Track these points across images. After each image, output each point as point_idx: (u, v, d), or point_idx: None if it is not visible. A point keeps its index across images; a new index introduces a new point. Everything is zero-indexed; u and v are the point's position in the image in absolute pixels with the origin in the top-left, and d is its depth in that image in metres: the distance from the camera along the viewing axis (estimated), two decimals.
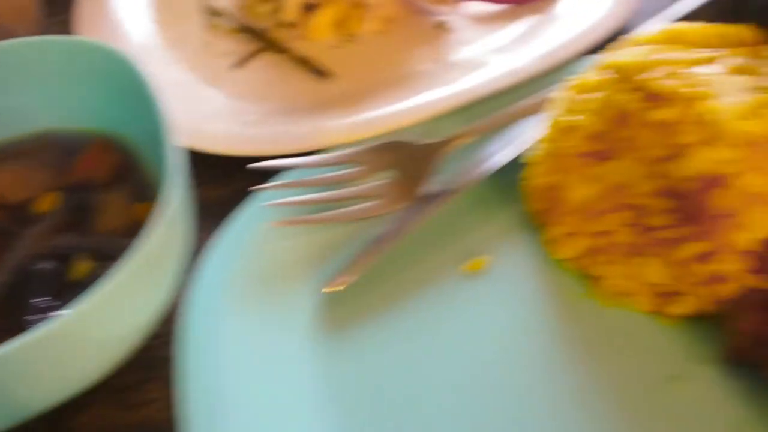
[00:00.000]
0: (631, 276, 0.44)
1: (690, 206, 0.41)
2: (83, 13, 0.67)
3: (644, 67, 0.42)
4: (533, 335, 0.44)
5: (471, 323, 0.44)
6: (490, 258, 0.47)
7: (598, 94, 0.44)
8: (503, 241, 0.48)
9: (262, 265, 0.47)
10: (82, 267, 0.46)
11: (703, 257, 0.41)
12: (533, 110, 0.51)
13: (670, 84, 0.41)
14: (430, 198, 0.49)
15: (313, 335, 0.44)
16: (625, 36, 0.51)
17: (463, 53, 0.61)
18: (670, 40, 0.44)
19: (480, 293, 0.46)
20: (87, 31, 0.65)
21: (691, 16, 0.55)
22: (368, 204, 0.50)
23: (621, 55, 0.44)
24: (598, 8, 0.62)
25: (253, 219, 0.49)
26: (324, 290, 0.46)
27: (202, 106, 0.58)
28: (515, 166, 0.50)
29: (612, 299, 0.44)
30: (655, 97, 0.41)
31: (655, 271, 0.43)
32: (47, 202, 0.50)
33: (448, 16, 0.65)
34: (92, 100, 0.53)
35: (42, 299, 0.44)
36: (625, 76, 0.43)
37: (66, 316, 0.36)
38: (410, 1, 0.65)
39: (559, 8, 0.64)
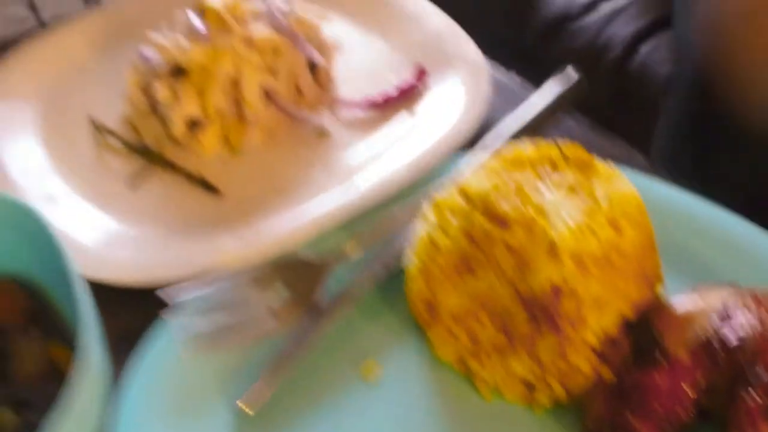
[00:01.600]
0: (501, 371, 0.50)
1: (543, 311, 0.48)
2: None
3: (490, 194, 0.49)
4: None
5: (370, 427, 0.50)
6: (383, 360, 0.53)
7: (454, 218, 0.51)
8: (394, 345, 0.54)
9: (178, 395, 0.51)
10: (3, 419, 0.49)
11: (558, 353, 0.48)
12: (409, 217, 0.58)
13: (513, 209, 0.48)
14: (324, 310, 0.55)
15: None
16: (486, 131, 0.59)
17: (343, 159, 0.67)
18: (512, 162, 0.52)
19: (377, 396, 0.51)
20: None
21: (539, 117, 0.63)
22: (267, 322, 0.55)
23: (470, 180, 0.51)
24: (455, 106, 0.69)
25: (162, 351, 0.53)
26: (240, 414, 0.50)
27: (98, 234, 0.62)
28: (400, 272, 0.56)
29: (490, 393, 0.51)
30: (503, 221, 0.48)
31: (520, 366, 0.50)
32: None
33: (325, 123, 0.71)
34: None
35: None
36: (474, 203, 0.50)
37: None
38: (289, 111, 0.70)
39: (424, 107, 0.70)
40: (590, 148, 0.67)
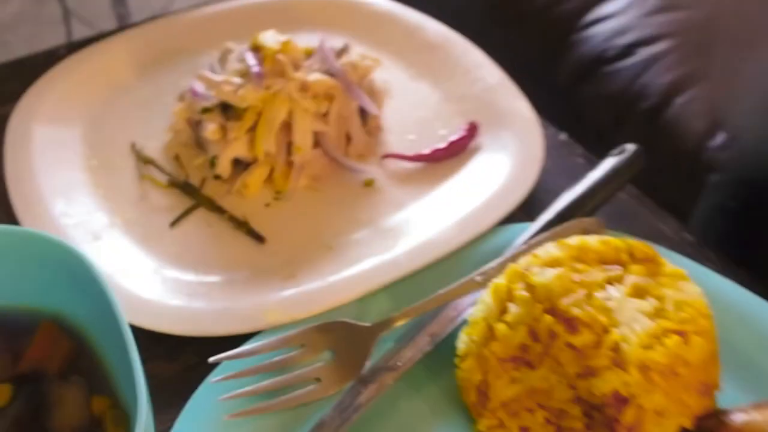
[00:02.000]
0: None
1: (601, 416, 0.48)
2: (10, 159, 0.68)
3: (556, 290, 0.49)
4: None
5: None
6: None
7: (516, 309, 0.50)
8: (440, 425, 0.53)
9: None
10: None
11: None
12: (462, 292, 0.57)
13: (582, 312, 0.47)
14: (370, 379, 0.54)
15: None
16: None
17: (389, 213, 0.66)
18: (578, 254, 0.51)
19: None
20: (16, 181, 0.66)
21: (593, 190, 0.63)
22: (312, 387, 0.54)
23: (533, 269, 0.50)
24: (508, 164, 0.68)
25: (205, 413, 0.52)
26: None
27: (141, 278, 0.61)
28: (449, 344, 0.55)
29: None
30: (570, 323, 0.48)
31: None
32: (0, 396, 0.52)
33: (372, 174, 0.70)
34: (37, 284, 0.54)
35: None
36: (539, 297, 0.49)
37: None
38: (336, 159, 0.69)
39: (472, 167, 0.70)
40: (639, 223, 0.67)
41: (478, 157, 0.70)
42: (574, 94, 1.14)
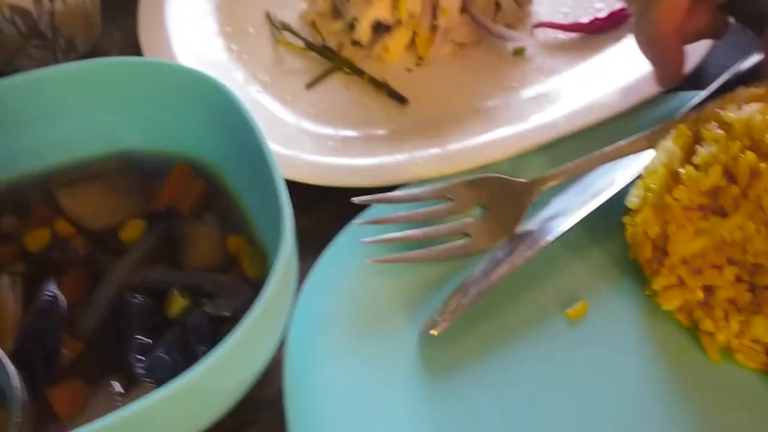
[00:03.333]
0: (739, 332, 0.43)
1: None
2: (145, 22, 0.66)
3: (760, 123, 0.42)
4: (636, 387, 0.43)
5: (573, 372, 0.44)
6: (591, 303, 0.47)
7: (709, 148, 0.43)
8: (604, 287, 0.47)
9: (360, 305, 0.47)
10: (177, 303, 0.45)
11: None
12: (628, 151, 0.51)
13: None
14: (525, 238, 0.49)
15: (413, 378, 0.44)
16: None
17: (542, 85, 0.60)
18: None
19: (581, 340, 0.45)
20: (150, 41, 0.64)
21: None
22: (461, 242, 0.50)
23: (730, 111, 0.43)
24: None
25: (347, 256, 0.48)
26: (423, 335, 0.45)
27: (280, 131, 0.57)
28: (613, 206, 0.49)
29: (719, 355, 0.44)
30: None
31: (764, 330, 0.42)
32: (133, 231, 0.49)
33: (523, 42, 0.64)
34: (176, 123, 0.52)
35: (141, 337, 0.43)
36: (737, 132, 0.42)
37: (194, 372, 0.36)
38: (484, 25, 0.64)
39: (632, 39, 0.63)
40: None
41: None
42: None
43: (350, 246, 0.48)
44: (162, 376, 0.41)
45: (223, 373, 0.37)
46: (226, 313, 0.44)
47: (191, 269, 0.47)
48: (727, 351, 0.44)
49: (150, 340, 0.43)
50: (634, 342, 0.45)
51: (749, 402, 0.42)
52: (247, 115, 0.46)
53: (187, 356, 0.42)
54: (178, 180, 0.52)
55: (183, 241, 0.49)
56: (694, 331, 0.45)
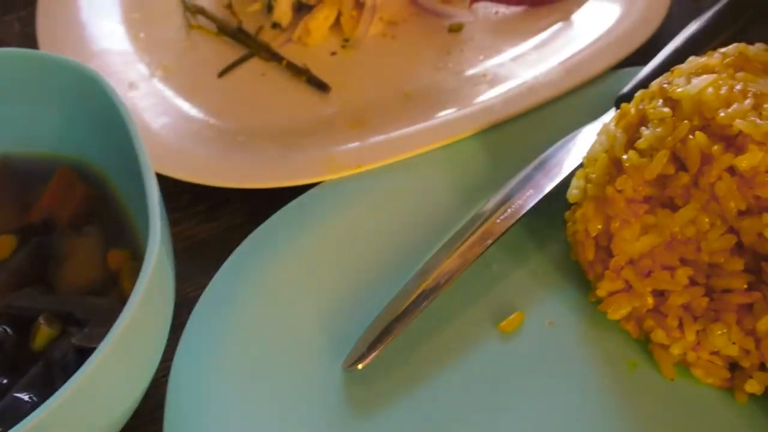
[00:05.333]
0: (696, 344, 0.37)
1: None
2: (44, 11, 0.59)
3: (711, 101, 0.35)
4: (582, 410, 0.37)
5: (509, 393, 0.38)
6: (527, 313, 0.40)
7: (654, 130, 0.37)
8: (543, 294, 0.41)
9: (265, 327, 0.40)
10: (43, 334, 0.38)
11: None
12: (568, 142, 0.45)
13: (749, 125, 0.34)
14: (459, 243, 0.42)
15: (332, 417, 0.38)
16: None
17: (481, 65, 0.54)
18: (732, 65, 0.38)
19: (517, 357, 0.39)
20: (46, 30, 0.57)
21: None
22: None
23: (677, 86, 0.37)
24: (625, 13, 0.55)
25: (251, 266, 0.42)
26: (347, 368, 0.39)
27: (183, 125, 0.51)
28: (556, 201, 0.43)
29: (673, 370, 0.38)
30: (732, 140, 0.34)
31: (724, 341, 0.36)
32: (1, 249, 0.43)
33: (461, 18, 0.57)
34: (56, 122, 0.46)
35: None
36: (686, 112, 0.36)
37: (37, 415, 0.29)
38: (418, 1, 0.57)
39: (581, 12, 0.56)
40: None
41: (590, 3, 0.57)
42: None
43: (255, 254, 0.42)
44: (16, 422, 0.35)
45: (75, 415, 0.31)
46: (95, 345, 0.37)
47: (64, 291, 0.41)
48: (684, 365, 0.38)
49: (6, 380, 0.37)
50: (577, 357, 0.39)
51: (709, 425, 0.36)
52: (121, 110, 0.40)
53: (48, 396, 0.35)
54: (59, 188, 0.46)
55: (59, 257, 0.42)
56: (645, 343, 0.39)
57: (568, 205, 0.42)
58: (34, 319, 0.39)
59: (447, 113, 0.50)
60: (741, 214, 0.35)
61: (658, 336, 0.38)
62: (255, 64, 0.56)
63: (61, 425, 0.31)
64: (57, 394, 0.30)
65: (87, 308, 0.39)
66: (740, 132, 0.34)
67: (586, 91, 0.50)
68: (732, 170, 0.35)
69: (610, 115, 0.45)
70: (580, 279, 0.41)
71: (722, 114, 0.35)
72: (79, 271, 0.42)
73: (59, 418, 0.30)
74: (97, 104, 0.43)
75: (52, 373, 0.37)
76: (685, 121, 0.36)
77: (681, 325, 0.37)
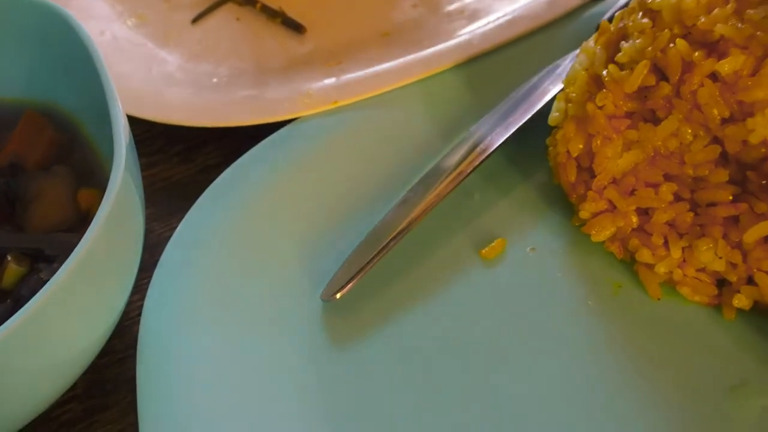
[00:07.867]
0: (682, 262, 0.36)
1: (756, 178, 0.33)
2: None
3: (691, 6, 0.34)
4: (567, 334, 0.36)
5: (493, 321, 0.37)
6: (509, 240, 0.39)
7: (634, 42, 0.36)
8: (525, 219, 0.40)
9: (241, 260, 0.39)
10: (11, 272, 0.37)
11: None
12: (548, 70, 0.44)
13: (731, 29, 0.33)
14: (440, 173, 0.41)
15: (311, 349, 0.37)
16: None
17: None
18: None
19: (500, 284, 0.38)
20: None
21: None
22: None
23: None
24: None
25: (226, 201, 0.41)
26: (326, 298, 0.38)
27: (157, 69, 0.50)
28: (538, 128, 0.42)
29: (659, 289, 0.37)
30: (714, 46, 0.33)
31: (710, 256, 0.35)
32: None
33: None
34: (24, 65, 0.45)
35: None
36: (665, 20, 0.35)
37: None
38: None
39: None
40: None
41: None
42: None
43: (231, 190, 0.41)
44: None
45: (30, 346, 0.30)
46: None
47: (34, 231, 0.40)
48: (670, 285, 0.37)
49: None
50: (560, 282, 0.38)
51: (697, 344, 0.35)
52: (91, 49, 0.39)
53: None
54: (27, 131, 0.44)
55: (27, 198, 0.41)
56: (630, 264, 0.38)
57: (548, 134, 0.41)
58: (3, 258, 0.38)
59: (424, 49, 0.48)
60: (724, 121, 0.34)
61: (643, 255, 0.37)
62: (229, 10, 0.55)
63: (18, 353, 0.30)
64: (7, 323, 0.29)
65: (56, 244, 0.38)
66: (722, 36, 0.33)
67: (569, 23, 0.48)
68: (714, 76, 0.33)
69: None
70: (563, 204, 0.40)
71: (703, 20, 0.34)
72: (48, 211, 0.41)
73: (13, 347, 0.29)
74: (66, 45, 0.42)
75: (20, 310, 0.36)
76: (666, 30, 0.35)
77: (666, 243, 0.36)
